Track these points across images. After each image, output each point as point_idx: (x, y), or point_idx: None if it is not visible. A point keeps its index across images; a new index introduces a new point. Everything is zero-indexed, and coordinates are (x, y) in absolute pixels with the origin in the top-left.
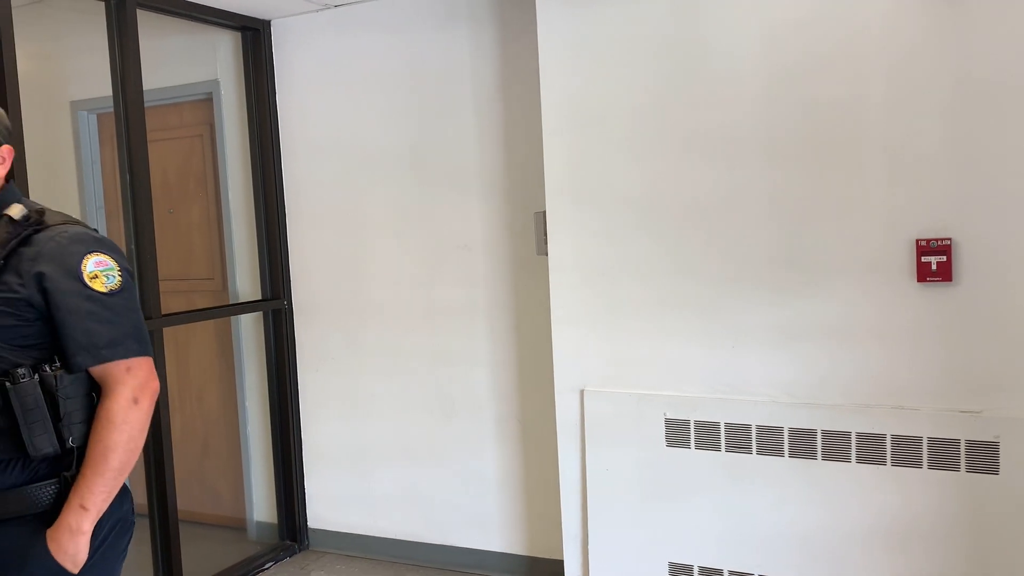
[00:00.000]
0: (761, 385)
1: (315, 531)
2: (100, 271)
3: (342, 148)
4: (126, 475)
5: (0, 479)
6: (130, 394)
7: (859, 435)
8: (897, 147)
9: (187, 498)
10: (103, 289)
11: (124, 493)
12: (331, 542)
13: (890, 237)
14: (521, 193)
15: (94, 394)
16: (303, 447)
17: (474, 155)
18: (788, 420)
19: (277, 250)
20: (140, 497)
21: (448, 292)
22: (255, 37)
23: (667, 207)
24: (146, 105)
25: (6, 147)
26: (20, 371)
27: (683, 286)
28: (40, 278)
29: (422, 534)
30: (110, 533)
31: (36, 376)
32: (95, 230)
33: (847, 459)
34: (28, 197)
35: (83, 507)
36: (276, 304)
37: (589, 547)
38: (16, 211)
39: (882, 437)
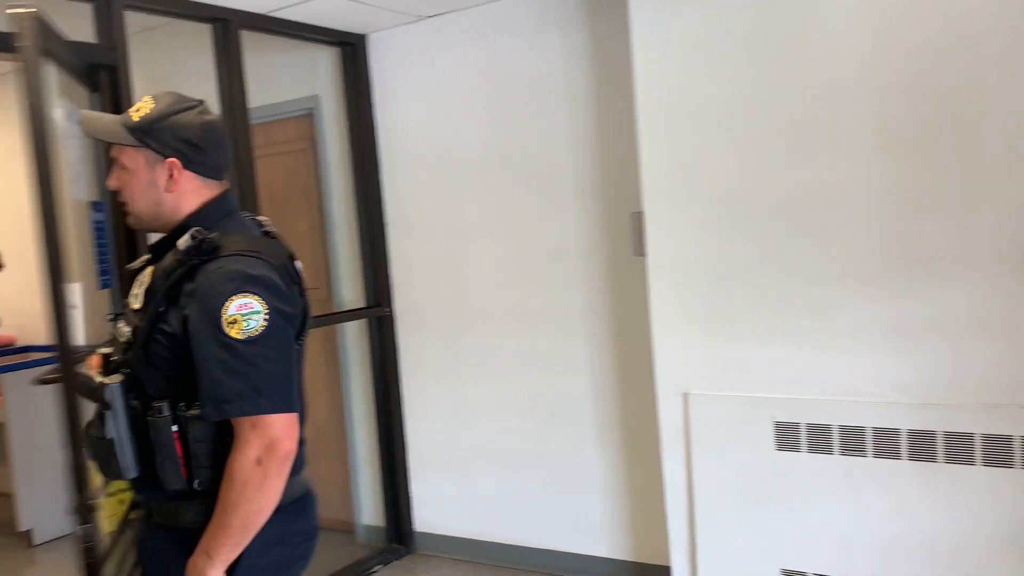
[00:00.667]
0: (875, 386)
1: (421, 534)
2: (241, 315)
3: (438, 156)
4: (253, 530)
5: (154, 488)
6: (253, 454)
7: (984, 436)
8: (1017, 132)
9: None
10: (238, 336)
11: (283, 519)
12: (437, 545)
13: (1018, 226)
14: (616, 195)
15: (230, 439)
16: (408, 451)
17: (568, 159)
18: (906, 422)
19: (379, 259)
20: None
21: (545, 296)
22: (353, 52)
23: (770, 203)
24: (252, 122)
25: (172, 160)
26: (160, 405)
27: (789, 285)
28: (185, 320)
29: (526, 538)
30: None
31: (172, 414)
32: (281, 258)
33: (971, 462)
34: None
35: (208, 554)
36: (379, 311)
37: (697, 553)
38: (183, 241)
39: (1009, 439)
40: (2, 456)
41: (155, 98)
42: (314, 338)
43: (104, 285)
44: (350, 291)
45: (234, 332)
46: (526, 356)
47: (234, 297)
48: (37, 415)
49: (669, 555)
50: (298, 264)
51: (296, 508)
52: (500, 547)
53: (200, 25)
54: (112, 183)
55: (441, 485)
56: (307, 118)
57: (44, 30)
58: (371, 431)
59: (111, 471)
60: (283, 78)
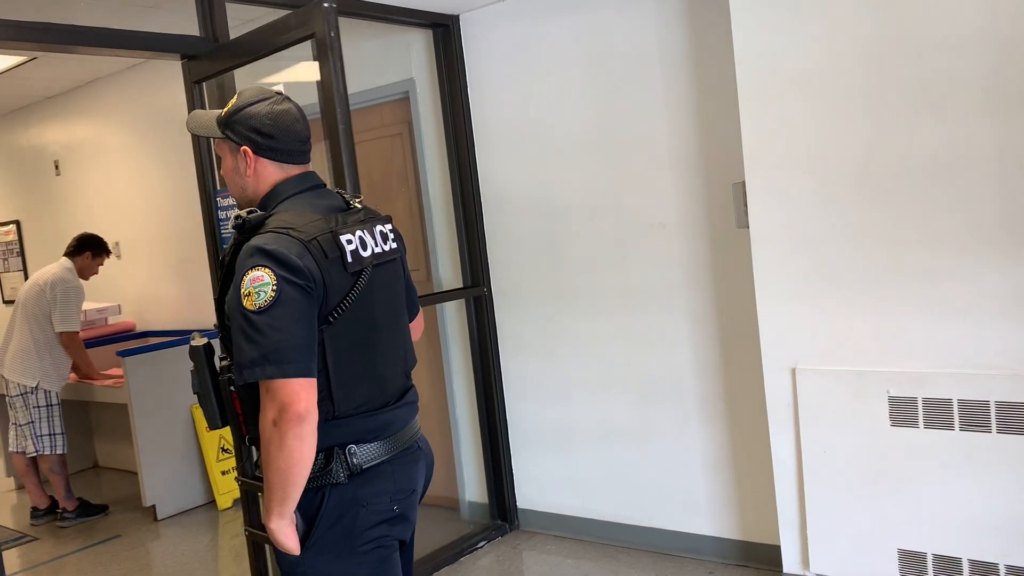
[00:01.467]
0: (998, 358)
1: (524, 511)
2: (253, 288)
3: (533, 133)
4: (293, 484)
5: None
6: (270, 416)
7: None
8: None
9: None
10: (252, 307)
11: (360, 483)
12: (540, 522)
13: None
14: (716, 165)
15: None
16: (509, 429)
17: (666, 130)
18: None
19: (475, 239)
20: None
21: (644, 272)
22: (445, 33)
23: (881, 168)
24: (353, 107)
25: (244, 148)
26: (224, 366)
27: (901, 252)
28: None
29: (630, 516)
30: (321, 522)
31: (228, 376)
32: (315, 233)
33: None
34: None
35: (265, 507)
36: (477, 291)
37: (808, 533)
38: (232, 221)
39: None
40: (127, 436)
41: (240, 93)
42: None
43: None
44: (448, 272)
45: (248, 304)
46: (626, 332)
47: (249, 271)
48: (157, 397)
49: (778, 534)
50: (351, 237)
51: (375, 472)
52: (604, 524)
53: None
54: (221, 173)
55: (543, 462)
56: (403, 102)
57: None
58: (472, 409)
59: (208, 422)
60: (379, 63)
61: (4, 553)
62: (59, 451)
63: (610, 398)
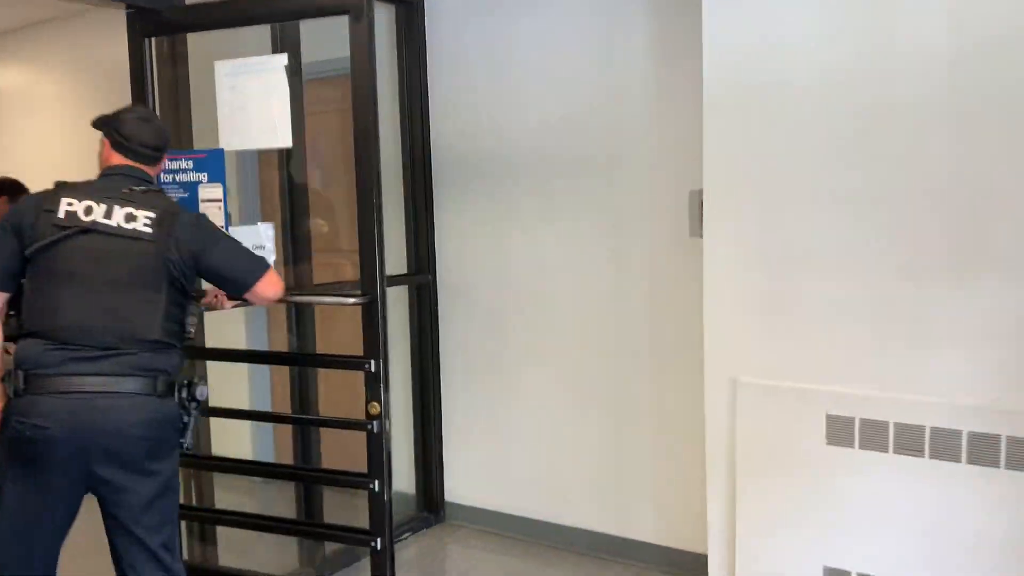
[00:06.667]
0: (937, 384)
1: (452, 505)
2: None
3: (490, 113)
4: None
5: None
6: None
7: None
8: None
9: (330, 463)
10: None
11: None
12: (467, 516)
13: None
14: (674, 171)
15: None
16: (443, 422)
17: (629, 134)
18: (968, 424)
19: (424, 225)
20: (287, 458)
21: (593, 272)
22: (408, 12)
23: (839, 190)
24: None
25: (105, 140)
26: None
27: (853, 277)
28: None
29: (558, 515)
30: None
31: None
32: (42, 197)
33: None
34: None
35: None
36: (422, 278)
37: (736, 544)
38: None
39: None
40: None
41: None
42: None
43: None
44: (393, 257)
45: None
46: (570, 333)
47: None
48: None
49: (706, 543)
50: (73, 202)
51: (25, 398)
52: (531, 523)
53: None
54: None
55: (474, 457)
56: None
57: None
58: (406, 399)
59: None
60: (334, 34)
61: None
62: None
63: (549, 398)
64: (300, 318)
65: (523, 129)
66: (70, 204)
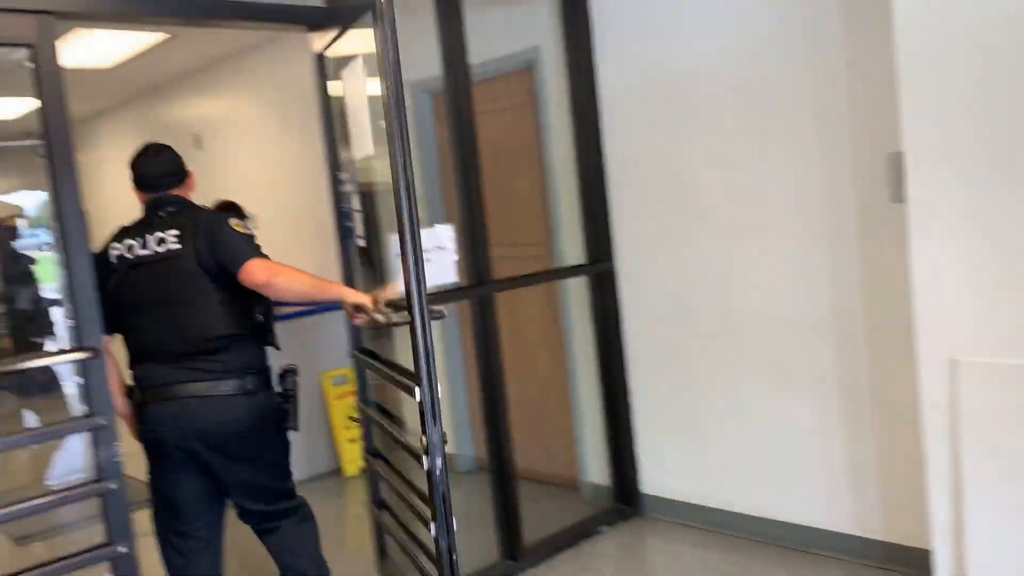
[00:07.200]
0: None
1: (648, 496)
2: None
3: (664, 98)
4: None
5: None
6: None
7: None
8: None
9: (523, 457)
10: None
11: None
12: (664, 509)
13: None
14: (866, 134)
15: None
16: (632, 412)
17: (814, 89)
18: None
19: (599, 214)
20: (481, 452)
21: (783, 249)
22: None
23: None
24: (475, 80)
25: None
26: None
27: None
28: None
29: (762, 508)
30: None
31: None
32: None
33: None
34: None
35: None
36: (600, 268)
37: (966, 541)
38: None
39: None
40: None
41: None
42: (536, 294)
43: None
44: (571, 248)
45: None
46: (760, 316)
47: None
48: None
49: (927, 538)
50: (118, 246)
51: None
52: (732, 515)
53: None
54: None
55: (670, 448)
56: (527, 71)
57: None
58: (595, 389)
59: None
60: (504, 32)
61: (135, 514)
62: None
63: (743, 385)
64: (484, 311)
65: (700, 96)
66: (116, 248)
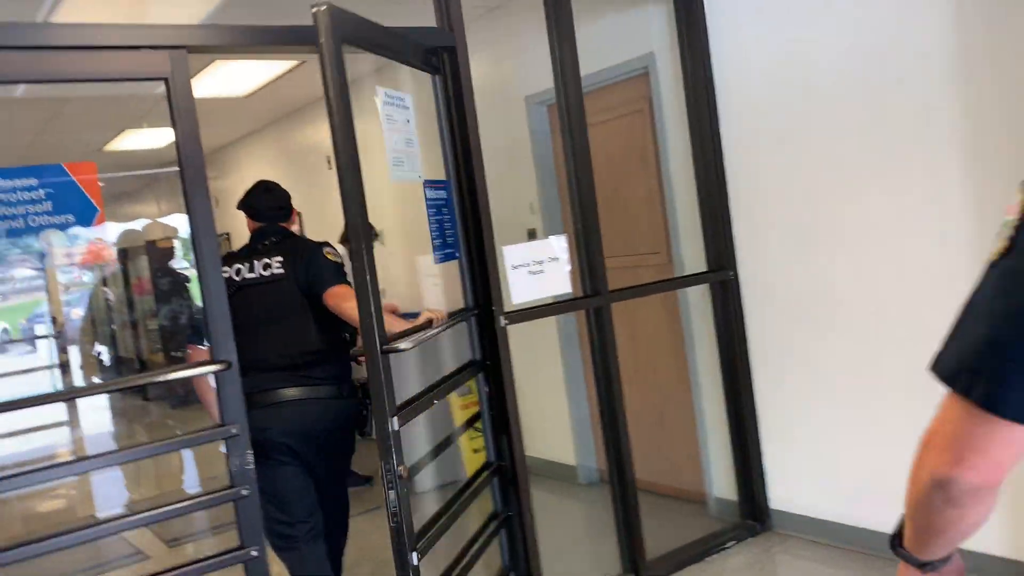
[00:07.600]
0: None
1: (777, 512)
2: None
3: (785, 97)
4: None
5: None
6: None
7: None
8: None
9: (645, 469)
10: None
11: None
12: (794, 525)
13: None
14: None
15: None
16: (759, 424)
17: (959, 82)
18: None
19: (719, 219)
20: (602, 463)
21: (926, 257)
22: (688, 2)
23: None
24: (587, 88)
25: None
26: None
27: None
28: None
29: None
30: None
31: None
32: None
33: None
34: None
35: None
36: (722, 276)
37: None
38: None
39: None
40: None
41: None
42: (655, 303)
43: (443, 258)
44: (691, 256)
45: None
46: (895, 324)
47: None
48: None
49: None
50: (227, 269)
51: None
52: (869, 533)
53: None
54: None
55: (799, 461)
56: (643, 77)
57: (349, 21)
58: (719, 401)
59: None
60: (617, 40)
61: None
62: None
63: (877, 396)
64: (599, 322)
65: (824, 98)
66: (226, 271)
